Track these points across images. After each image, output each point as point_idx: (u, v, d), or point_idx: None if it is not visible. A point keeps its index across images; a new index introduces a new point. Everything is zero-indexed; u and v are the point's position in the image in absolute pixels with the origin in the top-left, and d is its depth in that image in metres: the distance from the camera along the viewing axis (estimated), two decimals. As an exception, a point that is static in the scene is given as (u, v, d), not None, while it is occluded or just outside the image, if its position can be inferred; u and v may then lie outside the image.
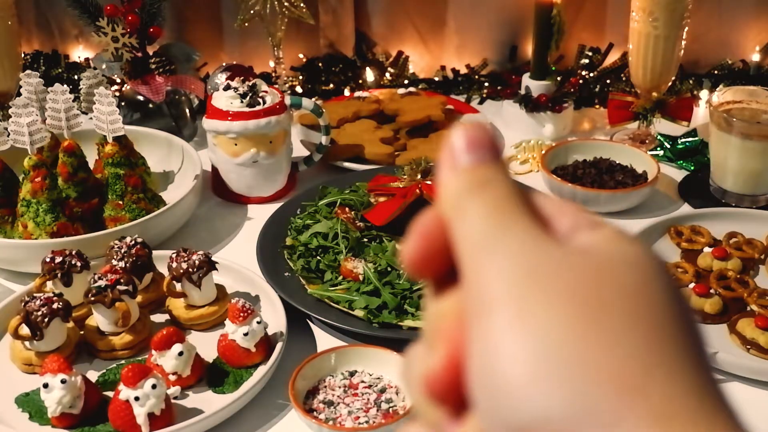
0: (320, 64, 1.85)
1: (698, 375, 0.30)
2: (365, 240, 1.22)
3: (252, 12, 1.77)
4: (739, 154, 1.33)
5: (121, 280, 1.05)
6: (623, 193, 1.36)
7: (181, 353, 0.99)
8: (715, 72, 1.80)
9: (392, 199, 1.26)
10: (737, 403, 0.95)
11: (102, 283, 1.04)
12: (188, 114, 1.59)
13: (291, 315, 1.09)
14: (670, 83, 1.54)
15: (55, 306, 1.02)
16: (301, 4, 1.77)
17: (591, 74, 1.79)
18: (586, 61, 1.81)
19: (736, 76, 1.78)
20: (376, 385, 1.00)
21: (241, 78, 1.39)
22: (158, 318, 1.14)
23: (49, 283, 1.10)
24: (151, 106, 1.54)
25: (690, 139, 1.55)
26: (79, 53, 1.91)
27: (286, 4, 1.77)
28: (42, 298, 1.02)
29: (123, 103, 1.55)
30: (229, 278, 1.18)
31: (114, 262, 1.11)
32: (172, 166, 1.48)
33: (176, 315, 1.12)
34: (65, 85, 1.28)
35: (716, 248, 1.21)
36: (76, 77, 1.75)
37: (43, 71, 1.81)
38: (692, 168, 1.50)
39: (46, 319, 1.01)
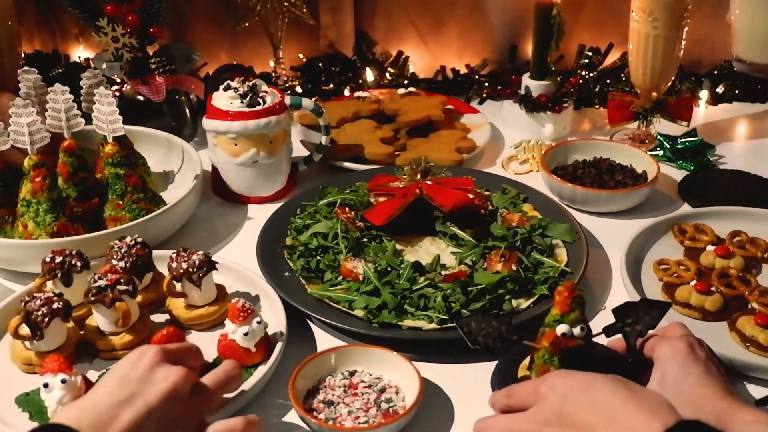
0: (320, 64, 1.85)
1: None
2: (365, 240, 1.22)
3: (252, 12, 1.77)
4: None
5: (121, 280, 1.05)
6: (623, 193, 1.36)
7: (181, 353, 0.99)
8: (715, 72, 1.80)
9: (392, 199, 1.26)
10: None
11: (102, 283, 1.04)
12: (188, 114, 1.59)
13: (291, 315, 1.09)
14: (670, 83, 1.54)
15: (55, 306, 1.02)
16: (302, 4, 1.78)
17: (591, 74, 1.79)
18: (586, 61, 1.81)
19: (736, 76, 1.78)
20: (376, 385, 1.00)
21: (241, 78, 1.39)
22: (158, 318, 1.14)
23: (49, 283, 1.10)
24: (151, 106, 1.54)
25: (690, 139, 1.55)
26: (79, 53, 1.91)
27: (286, 4, 1.77)
28: (42, 298, 1.02)
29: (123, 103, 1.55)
30: (229, 278, 1.18)
31: (114, 262, 1.11)
32: (172, 166, 1.48)
33: (176, 315, 1.12)
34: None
35: (719, 246, 1.21)
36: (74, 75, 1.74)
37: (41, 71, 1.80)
38: (692, 168, 1.50)
39: (46, 319, 1.01)
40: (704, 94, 1.75)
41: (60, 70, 1.80)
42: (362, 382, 1.00)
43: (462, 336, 0.95)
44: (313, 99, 1.54)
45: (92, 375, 1.03)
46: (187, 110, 1.59)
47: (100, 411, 0.77)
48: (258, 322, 1.03)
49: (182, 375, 0.82)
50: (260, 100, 1.36)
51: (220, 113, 1.35)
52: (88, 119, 1.31)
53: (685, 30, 1.48)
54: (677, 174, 1.50)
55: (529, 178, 1.47)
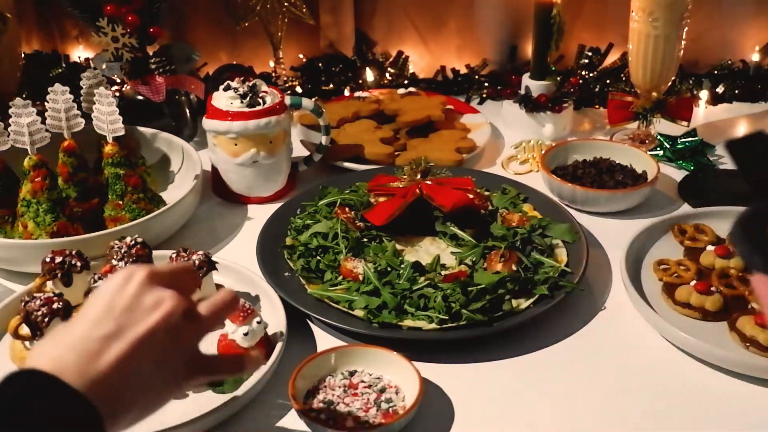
0: (320, 64, 1.85)
1: None
2: (365, 240, 1.22)
3: (252, 12, 1.77)
4: None
5: (121, 280, 1.05)
6: (623, 193, 1.36)
7: (181, 353, 0.99)
8: (715, 72, 1.80)
9: (392, 199, 1.26)
10: (735, 400, 0.97)
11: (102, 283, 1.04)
12: (188, 114, 1.59)
13: (291, 315, 1.09)
14: (669, 83, 1.54)
15: (55, 306, 1.02)
16: (302, 4, 1.78)
17: (591, 74, 1.79)
18: (586, 61, 1.81)
19: (736, 76, 1.78)
20: (376, 385, 0.99)
21: (241, 78, 1.39)
22: (158, 318, 1.14)
23: (49, 283, 1.10)
24: (151, 106, 1.54)
25: (690, 139, 1.55)
26: (79, 53, 1.91)
27: (286, 4, 1.77)
28: (42, 298, 1.02)
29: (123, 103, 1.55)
30: (229, 278, 1.18)
31: (114, 262, 1.11)
32: (172, 166, 1.48)
33: (176, 315, 1.11)
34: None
35: (719, 246, 1.21)
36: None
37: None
38: (692, 168, 1.50)
39: (46, 319, 1.01)
40: (704, 94, 1.75)
41: (60, 70, 1.80)
42: (362, 382, 1.00)
43: (733, 161, 0.74)
44: (313, 99, 1.54)
45: (92, 375, 1.03)
46: (187, 110, 1.59)
47: (84, 347, 0.67)
48: (258, 322, 1.03)
49: (174, 301, 0.72)
50: (260, 100, 1.36)
51: (220, 113, 1.35)
52: (88, 119, 1.31)
53: (685, 30, 1.48)
54: (677, 174, 1.50)
55: (529, 178, 1.47)
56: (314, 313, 1.10)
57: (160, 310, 0.70)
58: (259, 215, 1.36)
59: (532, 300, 1.11)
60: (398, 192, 1.27)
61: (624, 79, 1.74)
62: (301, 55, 1.88)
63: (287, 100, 1.40)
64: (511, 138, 1.62)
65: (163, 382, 0.70)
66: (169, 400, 0.72)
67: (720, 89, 1.76)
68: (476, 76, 1.84)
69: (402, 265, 1.15)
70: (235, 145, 1.36)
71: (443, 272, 1.16)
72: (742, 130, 1.68)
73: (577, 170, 1.42)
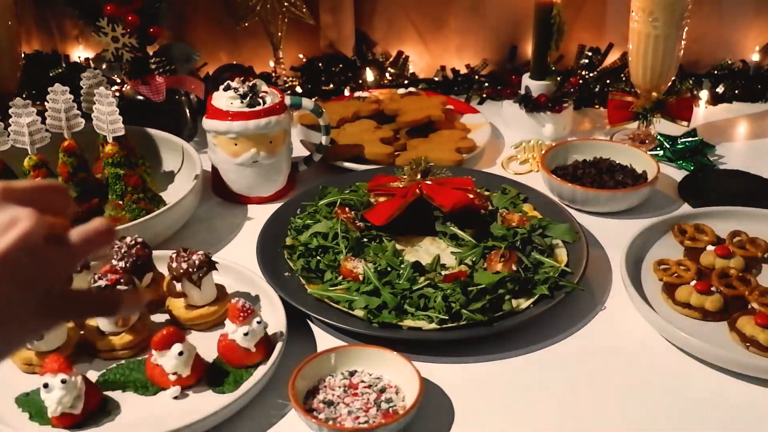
0: (320, 64, 1.85)
1: None
2: (365, 240, 1.22)
3: (252, 12, 1.77)
4: None
5: (121, 280, 1.05)
6: (623, 193, 1.36)
7: (181, 353, 0.99)
8: (715, 72, 1.80)
9: (392, 199, 1.26)
10: (736, 400, 0.98)
11: (102, 283, 1.04)
12: (188, 114, 1.59)
13: (291, 315, 1.09)
14: (669, 83, 1.54)
15: (55, 306, 1.02)
16: (302, 4, 1.78)
17: (591, 74, 1.79)
18: (586, 61, 1.81)
19: (736, 76, 1.78)
20: (376, 385, 1.00)
21: (241, 78, 1.39)
22: (158, 318, 1.14)
23: (49, 283, 1.10)
24: (151, 106, 1.54)
25: (690, 139, 1.55)
26: (79, 53, 1.91)
27: (286, 4, 1.77)
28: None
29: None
30: (229, 278, 1.18)
31: (114, 262, 1.11)
32: (172, 166, 1.48)
33: (176, 315, 1.12)
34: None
35: (719, 246, 1.21)
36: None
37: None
38: (692, 168, 1.50)
39: (46, 319, 1.01)
40: (704, 94, 1.75)
41: (60, 70, 1.80)
42: (362, 382, 1.00)
43: None
44: (313, 99, 1.54)
45: (92, 375, 1.03)
46: (187, 110, 1.59)
47: None
48: (258, 322, 1.03)
49: (33, 220, 0.58)
50: (260, 100, 1.36)
51: (220, 113, 1.35)
52: (88, 119, 1.31)
53: (685, 30, 1.48)
54: (677, 174, 1.50)
55: (529, 178, 1.47)
56: (314, 313, 1.10)
57: (15, 230, 0.57)
58: (259, 215, 1.36)
59: (532, 300, 1.11)
60: (398, 192, 1.27)
61: (624, 79, 1.74)
62: (301, 55, 1.88)
63: (287, 100, 1.40)
64: (511, 138, 1.62)
65: (21, 318, 0.57)
66: (27, 343, 0.61)
67: (720, 89, 1.76)
68: (476, 76, 1.84)
69: (402, 265, 1.15)
70: (235, 145, 1.36)
71: (443, 272, 1.16)
72: (742, 130, 1.69)
73: (577, 170, 1.42)
